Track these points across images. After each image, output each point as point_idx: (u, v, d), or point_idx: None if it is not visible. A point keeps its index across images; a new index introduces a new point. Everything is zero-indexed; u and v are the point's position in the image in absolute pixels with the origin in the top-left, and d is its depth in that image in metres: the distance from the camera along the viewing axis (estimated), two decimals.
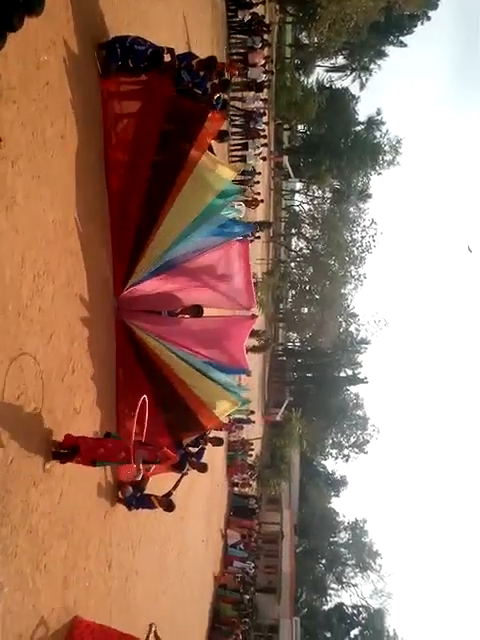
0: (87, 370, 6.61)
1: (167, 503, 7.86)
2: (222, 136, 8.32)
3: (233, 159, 22.26)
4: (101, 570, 7.26)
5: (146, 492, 7.84)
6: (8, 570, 4.83)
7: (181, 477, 8.53)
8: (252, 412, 25.12)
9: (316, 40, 40.56)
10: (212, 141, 7.59)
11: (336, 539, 58.26)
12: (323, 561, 57.13)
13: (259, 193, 26.15)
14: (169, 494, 8.12)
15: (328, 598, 56.36)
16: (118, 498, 7.66)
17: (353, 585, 55.75)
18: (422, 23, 46.49)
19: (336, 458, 56.80)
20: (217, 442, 11.09)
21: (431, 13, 45.66)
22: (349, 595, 55.58)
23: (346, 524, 58.39)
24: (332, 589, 56.75)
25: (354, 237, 40.59)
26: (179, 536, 13.00)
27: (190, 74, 7.27)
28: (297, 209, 48.70)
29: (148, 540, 9.85)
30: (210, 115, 7.09)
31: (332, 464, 60.14)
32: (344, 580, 56.35)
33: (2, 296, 4.72)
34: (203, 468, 9.18)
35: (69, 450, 5.81)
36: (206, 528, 17.53)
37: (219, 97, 7.87)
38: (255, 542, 26.01)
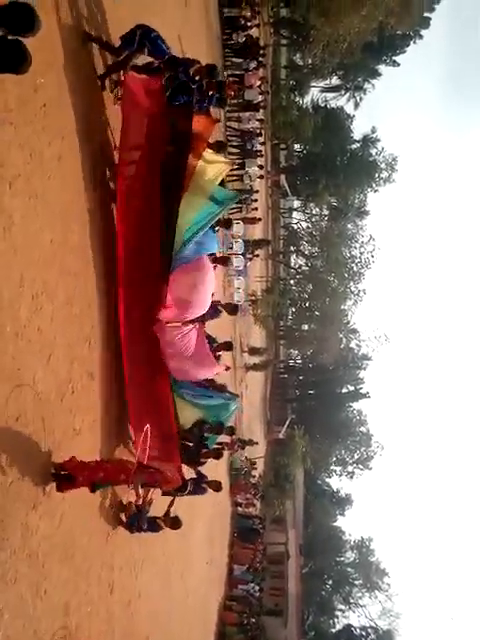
0: (87, 390, 6.57)
1: (172, 520, 7.64)
2: (220, 147, 8.43)
3: (231, 178, 22.48)
4: (103, 594, 7.12)
5: (150, 515, 7.69)
6: (8, 596, 4.74)
7: (174, 498, 8.40)
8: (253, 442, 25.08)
9: (310, 61, 41.33)
10: (209, 151, 7.71)
11: (342, 559, 57.37)
12: (330, 582, 56.18)
13: (256, 209, 26.35)
14: (167, 513, 7.96)
15: (336, 620, 55.34)
16: (121, 522, 7.51)
17: (361, 606, 54.76)
18: (414, 42, 47.36)
19: (340, 475, 56.26)
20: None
21: (423, 32, 46.55)
22: (357, 616, 54.58)
23: (352, 543, 57.56)
24: (339, 610, 55.72)
25: (352, 253, 40.79)
26: (183, 558, 12.79)
27: (187, 76, 7.40)
28: (295, 227, 48.99)
29: (151, 562, 9.68)
30: (196, 118, 7.15)
31: (337, 482, 59.51)
32: (351, 601, 55.36)
33: (0, 317, 4.70)
34: (217, 486, 9.32)
35: (68, 474, 5.73)
36: (210, 550, 17.26)
37: (213, 94, 7.98)
38: (260, 563, 25.60)
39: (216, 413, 9.15)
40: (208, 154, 7.61)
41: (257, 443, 25.89)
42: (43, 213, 5.45)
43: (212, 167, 7.64)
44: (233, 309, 11.68)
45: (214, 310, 9.87)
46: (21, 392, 5.02)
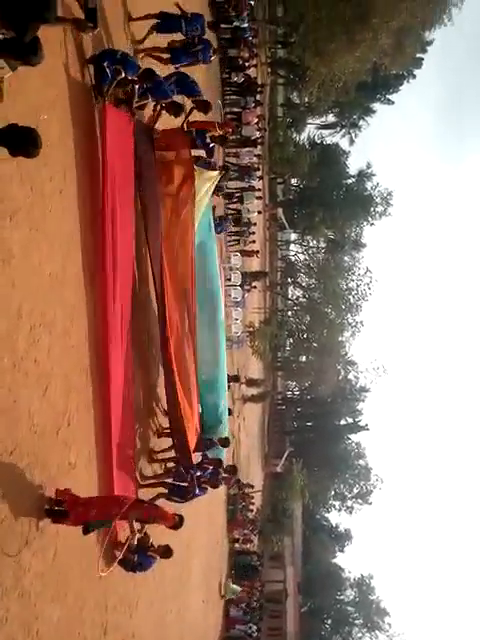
0: (83, 423, 6.51)
1: (164, 549, 7.33)
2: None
3: (229, 212, 22.81)
4: (96, 635, 6.90)
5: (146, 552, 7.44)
6: None
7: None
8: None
9: (306, 100, 42.37)
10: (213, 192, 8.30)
11: (342, 597, 55.88)
12: (329, 621, 54.56)
13: (254, 242, 26.63)
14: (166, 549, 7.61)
15: None
16: (117, 559, 7.21)
17: None
18: (408, 81, 48.69)
19: (339, 510, 55.28)
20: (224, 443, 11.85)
21: (416, 71, 47.93)
22: None
23: (352, 581, 56.16)
24: None
25: (350, 285, 41.00)
26: (178, 597, 12.43)
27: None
28: (293, 259, 49.42)
29: (146, 601, 9.41)
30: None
31: (336, 516, 58.40)
32: None
33: None
34: (216, 484, 10.15)
35: (61, 509, 5.61)
36: (206, 588, 16.80)
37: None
38: (258, 602, 24.87)
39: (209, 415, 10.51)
40: (197, 172, 8.24)
41: (253, 486, 25.14)
42: (43, 246, 5.50)
43: (202, 183, 8.28)
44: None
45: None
46: (16, 424, 4.98)
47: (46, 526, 5.50)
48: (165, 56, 9.34)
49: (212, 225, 11.96)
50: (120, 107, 7.34)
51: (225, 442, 11.96)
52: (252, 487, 22.47)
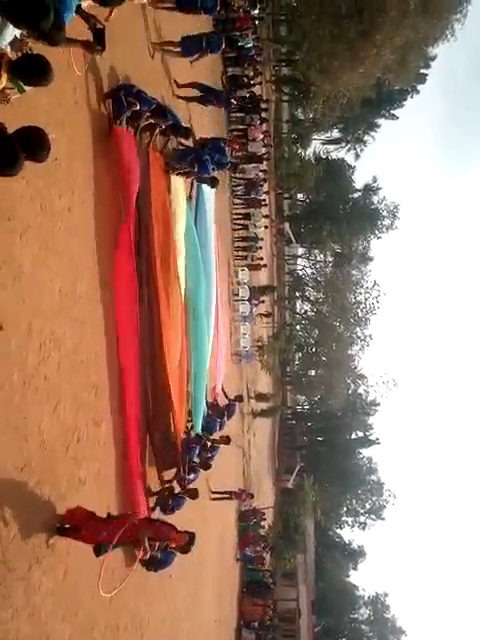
0: (92, 440, 6.49)
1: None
2: (214, 183, 9.46)
3: (236, 227, 22.94)
4: None
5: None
6: None
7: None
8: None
9: (311, 116, 42.78)
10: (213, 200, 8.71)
11: (356, 616, 54.92)
12: None
13: (262, 257, 26.71)
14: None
15: None
16: (140, 556, 7.06)
17: None
18: (411, 97, 49.04)
19: (352, 526, 54.57)
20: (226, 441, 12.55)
21: (420, 87, 48.29)
22: None
23: (366, 599, 55.25)
24: None
25: (358, 299, 40.92)
26: (190, 615, 12.27)
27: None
28: (300, 273, 49.49)
29: (157, 621, 9.30)
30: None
31: (348, 533, 57.64)
32: None
33: (7, 365, 4.71)
34: (207, 466, 10.71)
35: (71, 527, 5.58)
36: (218, 607, 16.58)
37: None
38: (271, 621, 24.47)
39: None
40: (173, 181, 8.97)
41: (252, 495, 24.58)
42: (52, 263, 5.55)
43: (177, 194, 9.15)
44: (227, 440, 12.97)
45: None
46: (26, 441, 4.97)
47: (56, 543, 5.46)
48: (176, 49, 9.94)
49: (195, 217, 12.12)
50: (132, 135, 7.72)
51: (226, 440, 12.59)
52: (252, 496, 22.14)
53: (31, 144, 3.07)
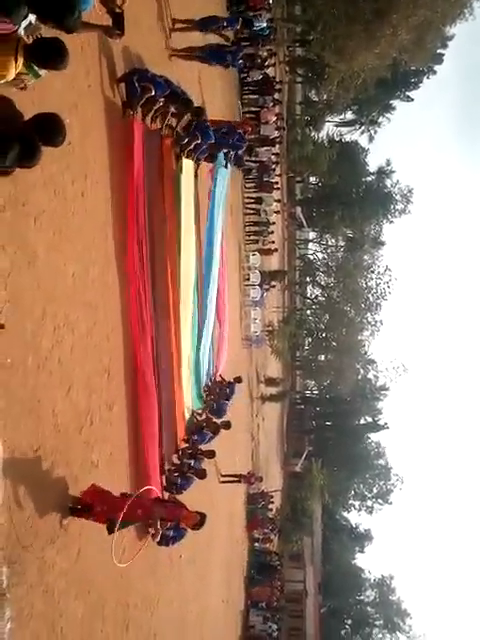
0: (105, 422, 6.57)
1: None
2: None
3: (248, 212, 22.82)
4: (118, 633, 6.97)
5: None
6: (24, 633, 4.66)
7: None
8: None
9: (325, 97, 42.07)
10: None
11: (362, 598, 55.51)
12: (349, 622, 54.24)
13: (273, 241, 26.59)
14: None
15: None
16: (152, 535, 7.05)
17: None
18: (428, 77, 48.04)
19: (359, 510, 54.93)
20: (225, 426, 12.39)
21: (436, 67, 47.28)
22: None
23: (372, 581, 55.78)
24: None
25: (369, 284, 40.66)
26: (199, 596, 12.50)
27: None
28: (311, 257, 49.19)
29: (166, 600, 9.48)
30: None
31: (355, 517, 58.04)
32: None
33: (22, 349, 4.77)
34: (211, 454, 10.74)
35: (85, 507, 5.69)
36: (227, 588, 16.85)
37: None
38: (277, 601, 24.86)
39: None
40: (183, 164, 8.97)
41: (261, 479, 24.53)
42: (66, 248, 5.57)
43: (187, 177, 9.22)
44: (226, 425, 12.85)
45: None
46: (40, 424, 5.05)
47: (70, 524, 5.57)
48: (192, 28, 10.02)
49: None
50: (141, 122, 7.69)
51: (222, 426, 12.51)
52: (261, 479, 22.38)
53: (47, 130, 3.08)
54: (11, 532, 4.51)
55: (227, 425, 12.61)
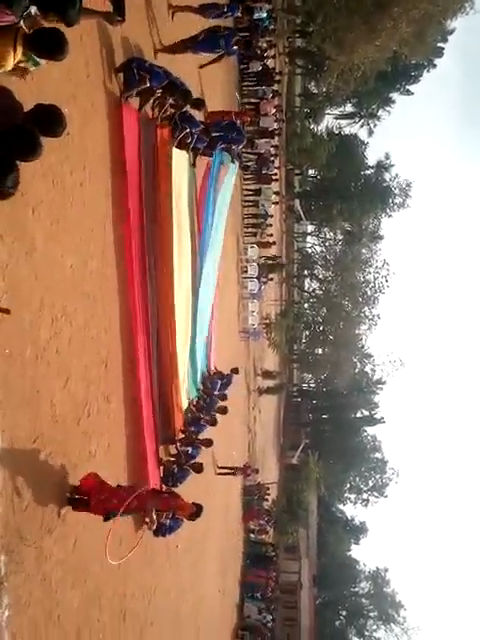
0: (103, 413, 6.60)
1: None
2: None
3: (246, 204, 22.76)
4: (115, 622, 7.03)
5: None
6: (21, 620, 4.70)
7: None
8: None
9: (325, 90, 41.86)
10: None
11: (357, 589, 55.99)
12: (344, 613, 54.73)
13: (271, 234, 26.55)
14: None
15: None
16: (147, 525, 7.01)
17: (376, 639, 53.20)
18: (428, 71, 47.86)
19: (355, 503, 55.29)
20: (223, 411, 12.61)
21: (437, 61, 47.09)
22: None
23: (367, 573, 56.23)
24: None
25: (367, 278, 40.65)
26: (195, 585, 12.59)
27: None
28: (309, 251, 49.17)
29: (163, 590, 9.55)
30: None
31: (351, 509, 58.43)
32: (366, 633, 53.83)
33: (21, 340, 4.77)
34: (208, 443, 10.88)
35: (83, 497, 5.72)
36: (222, 578, 16.98)
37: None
38: (272, 592, 25.05)
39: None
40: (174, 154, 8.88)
41: (258, 471, 24.55)
42: (64, 239, 5.56)
43: (179, 167, 9.09)
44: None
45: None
46: (38, 414, 5.07)
47: (67, 514, 5.60)
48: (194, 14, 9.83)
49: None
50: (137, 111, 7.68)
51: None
52: (257, 471, 22.53)
53: (47, 122, 3.08)
54: (9, 521, 4.54)
55: (224, 410, 12.70)
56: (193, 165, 10.84)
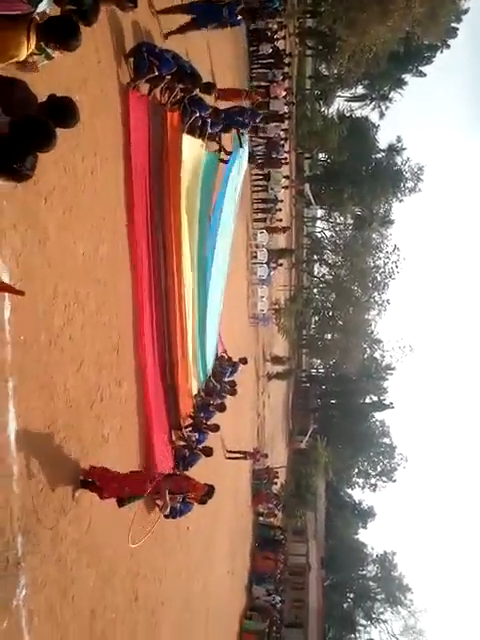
0: (115, 398, 6.69)
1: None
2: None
3: (256, 188, 22.64)
4: (127, 601, 7.20)
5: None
6: (38, 599, 4.84)
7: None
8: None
9: (336, 71, 41.23)
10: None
11: (364, 572, 56.52)
12: (351, 595, 55.37)
13: (281, 220, 26.41)
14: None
15: (357, 634, 54.43)
16: (160, 507, 7.20)
17: (383, 621, 53.81)
18: (441, 52, 46.90)
19: (363, 487, 55.58)
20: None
21: (450, 42, 46.11)
22: (379, 631, 53.64)
23: (374, 557, 56.70)
24: (361, 625, 54.82)
25: (377, 263, 40.39)
26: (205, 567, 12.81)
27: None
28: (319, 236, 48.85)
29: (174, 571, 9.75)
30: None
31: (359, 494, 58.79)
32: (373, 616, 54.42)
33: (35, 327, 4.85)
34: (215, 428, 10.92)
35: (94, 482, 5.83)
36: (231, 559, 17.24)
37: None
38: (281, 574, 25.42)
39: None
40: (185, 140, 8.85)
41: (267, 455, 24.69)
42: (76, 226, 5.60)
43: (190, 154, 9.03)
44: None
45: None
46: (52, 399, 5.16)
47: (81, 496, 5.73)
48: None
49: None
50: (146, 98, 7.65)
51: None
52: (266, 456, 22.72)
53: (61, 114, 3.11)
54: (26, 503, 4.66)
55: (233, 391, 12.77)
56: (218, 151, 10.82)
